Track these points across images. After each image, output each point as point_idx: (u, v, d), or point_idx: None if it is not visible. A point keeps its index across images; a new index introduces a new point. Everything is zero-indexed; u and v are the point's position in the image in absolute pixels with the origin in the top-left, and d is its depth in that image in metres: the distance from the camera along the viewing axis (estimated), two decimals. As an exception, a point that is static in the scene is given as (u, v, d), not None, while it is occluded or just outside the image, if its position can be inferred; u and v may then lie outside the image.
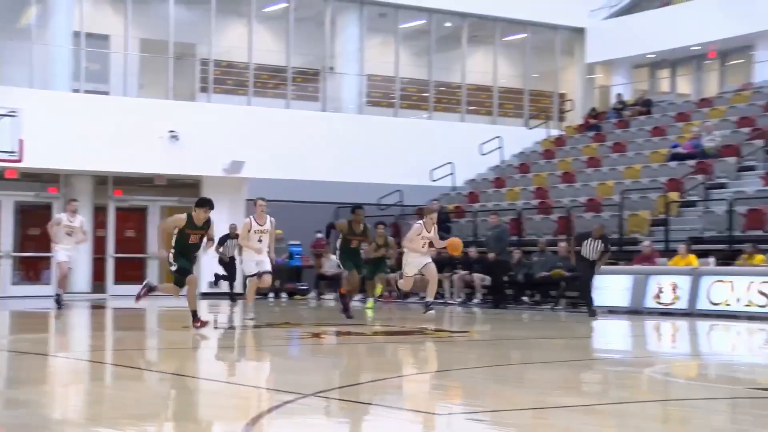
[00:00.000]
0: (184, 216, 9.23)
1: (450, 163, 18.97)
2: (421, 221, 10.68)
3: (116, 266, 17.52)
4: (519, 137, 21.40)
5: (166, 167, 17.28)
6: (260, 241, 10.30)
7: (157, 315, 14.51)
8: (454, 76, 22.03)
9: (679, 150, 17.82)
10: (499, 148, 20.49)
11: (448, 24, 21.88)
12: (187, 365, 7.87)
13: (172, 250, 9.05)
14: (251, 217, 10.51)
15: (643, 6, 23.16)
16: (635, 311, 14.14)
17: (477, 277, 15.06)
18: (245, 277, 11.71)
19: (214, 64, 18.71)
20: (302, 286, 17.48)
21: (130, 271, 18.02)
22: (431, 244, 10.81)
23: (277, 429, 4.40)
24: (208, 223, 9.15)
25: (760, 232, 14.46)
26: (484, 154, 19.95)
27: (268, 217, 10.38)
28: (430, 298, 10.70)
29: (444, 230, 15.03)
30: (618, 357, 9.58)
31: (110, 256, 17.71)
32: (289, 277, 17.67)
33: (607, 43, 23.10)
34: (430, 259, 10.72)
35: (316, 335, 9.55)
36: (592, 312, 12.41)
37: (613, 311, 14.23)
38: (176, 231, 9.09)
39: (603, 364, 8.65)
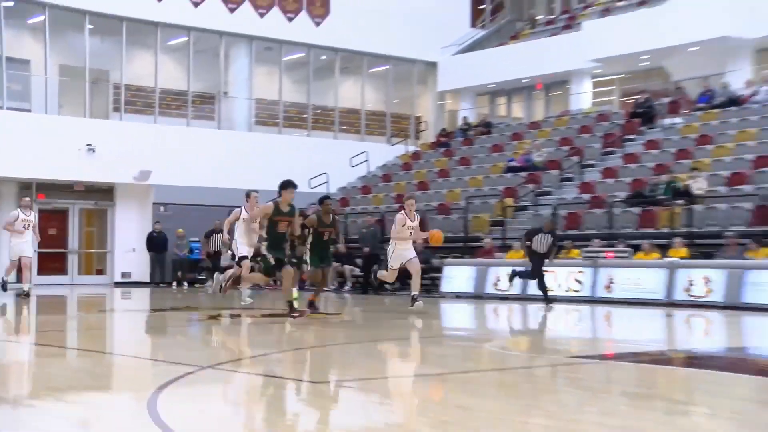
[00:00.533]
0: (271, 204, 8.70)
1: (325, 173, 20.30)
2: (402, 212, 10.17)
3: (39, 260, 18.25)
4: (382, 152, 23.29)
5: (84, 175, 18.78)
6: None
7: (76, 301, 15.38)
8: (329, 101, 23.75)
9: (514, 163, 19.70)
10: (366, 161, 22.30)
11: (323, 57, 23.61)
12: (101, 344, 8.05)
13: (265, 242, 8.60)
14: (242, 207, 10.33)
15: (484, 45, 25.60)
16: (478, 296, 15.26)
17: (347, 268, 16.62)
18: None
19: (125, 88, 20.22)
20: (200, 276, 18.77)
21: (53, 264, 19.39)
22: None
23: (180, 396, 4.53)
24: (293, 209, 8.62)
25: (576, 231, 16.15)
26: (353, 166, 21.81)
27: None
28: (416, 292, 10.32)
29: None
30: (463, 334, 10.21)
31: (35, 250, 19.36)
32: (190, 269, 19.26)
33: (455, 74, 25.14)
34: (414, 254, 10.29)
35: (213, 317, 9.96)
36: (549, 301, 12.25)
37: (459, 296, 15.54)
38: (266, 221, 8.54)
39: (451, 340, 9.02)
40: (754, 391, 5.10)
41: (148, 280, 19.15)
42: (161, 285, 18.79)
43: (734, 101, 18.42)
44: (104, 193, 20.17)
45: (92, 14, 19.56)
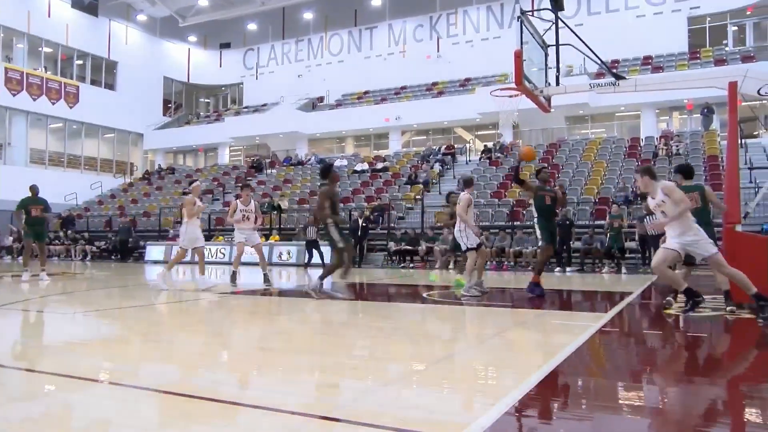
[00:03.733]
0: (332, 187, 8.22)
1: (74, 192, 31.38)
2: (467, 192, 8.82)
3: None
4: (110, 182, 33.80)
5: None
6: (247, 219, 10.22)
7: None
8: (78, 152, 33.64)
9: (187, 190, 31.27)
10: (100, 187, 32.79)
11: (74, 126, 33.24)
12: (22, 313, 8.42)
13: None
14: (237, 201, 10.40)
15: (170, 125, 37.72)
16: (166, 262, 19.71)
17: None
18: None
19: None
20: None
21: None
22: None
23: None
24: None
25: (221, 227, 26.98)
26: (92, 189, 32.06)
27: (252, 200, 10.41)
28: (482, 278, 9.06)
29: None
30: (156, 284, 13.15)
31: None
32: None
33: (153, 140, 36.92)
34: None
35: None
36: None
37: (156, 263, 23.52)
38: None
39: (149, 287, 12.98)
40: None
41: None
42: None
43: (300, 163, 31.51)
44: None
45: None
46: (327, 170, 8.59)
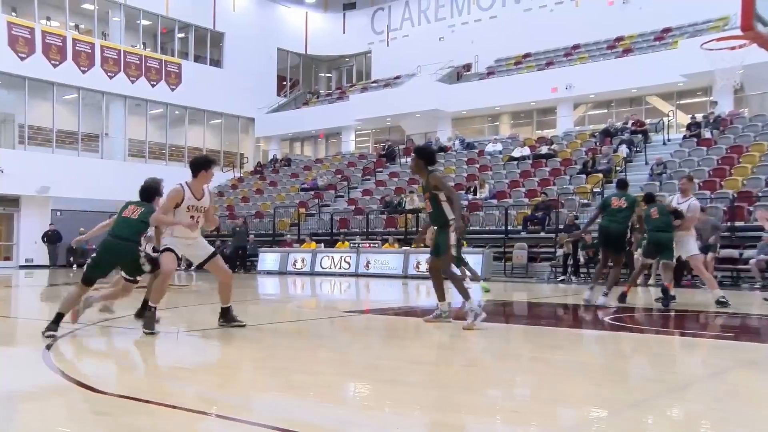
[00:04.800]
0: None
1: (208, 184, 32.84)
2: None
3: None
4: (217, 177, 32.78)
5: None
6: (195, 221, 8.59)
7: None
8: (181, 141, 35.96)
9: (306, 185, 29.80)
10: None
11: (177, 112, 35.82)
12: (7, 309, 9.87)
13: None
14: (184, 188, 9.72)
15: (285, 107, 39.17)
16: (282, 273, 22.11)
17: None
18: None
19: (28, 127, 31.45)
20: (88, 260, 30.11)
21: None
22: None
23: (68, 346, 5.97)
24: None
25: (346, 230, 23.86)
26: None
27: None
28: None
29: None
30: (274, 297, 13.20)
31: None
32: (82, 255, 30.29)
33: (266, 126, 38.18)
34: None
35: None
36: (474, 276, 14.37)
37: (269, 273, 22.56)
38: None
39: (264, 301, 11.96)
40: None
41: (47, 263, 30.21)
42: (56, 266, 29.92)
43: (442, 149, 30.82)
44: (11, 201, 31.11)
45: (2, 74, 30.70)
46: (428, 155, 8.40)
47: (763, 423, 3.74)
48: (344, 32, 41.96)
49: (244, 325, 7.55)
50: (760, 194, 18.28)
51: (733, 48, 14.36)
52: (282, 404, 4.19)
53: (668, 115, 28.12)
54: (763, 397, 4.57)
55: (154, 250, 7.94)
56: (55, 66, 31.68)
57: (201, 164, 7.34)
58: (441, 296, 8.26)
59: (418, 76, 35.01)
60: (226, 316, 7.68)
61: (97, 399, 4.19)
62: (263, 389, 4.73)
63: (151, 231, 7.82)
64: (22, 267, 29.88)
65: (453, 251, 7.86)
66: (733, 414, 4.05)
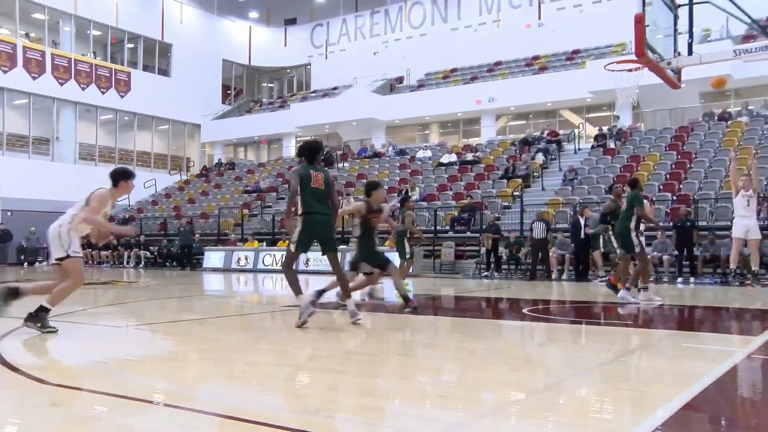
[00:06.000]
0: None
1: (128, 195, 32.82)
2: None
3: None
4: (165, 179, 34.96)
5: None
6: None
7: None
8: (130, 146, 35.60)
9: (248, 188, 30.79)
10: (154, 185, 34.03)
11: (126, 118, 35.38)
12: None
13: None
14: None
15: (229, 115, 38.97)
16: (227, 270, 22.61)
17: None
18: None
19: None
20: (39, 259, 29.61)
21: None
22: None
23: (17, 341, 5.78)
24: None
25: (286, 230, 21.52)
26: (146, 188, 33.15)
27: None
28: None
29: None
30: (218, 293, 13.40)
31: None
32: (32, 254, 29.53)
33: (212, 132, 38.06)
34: None
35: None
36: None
37: (215, 270, 22.91)
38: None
39: (209, 297, 12.14)
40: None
41: (-6, 262, 29.32)
42: (6, 265, 28.96)
43: (377, 154, 31.96)
44: (-32, 202, 30.23)
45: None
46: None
47: (656, 398, 3.88)
48: (285, 45, 41.99)
49: (55, 331, 6.47)
50: (654, 198, 18.89)
51: (630, 70, 15.01)
52: (225, 393, 4.17)
53: (579, 127, 29.10)
54: (655, 375, 4.76)
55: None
56: (5, 72, 30.86)
57: (122, 174, 6.84)
58: (297, 291, 7.13)
59: (355, 87, 35.49)
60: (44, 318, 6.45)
61: (49, 390, 4.08)
62: (208, 379, 4.69)
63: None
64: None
65: (291, 247, 7.13)
66: (633, 391, 4.24)
